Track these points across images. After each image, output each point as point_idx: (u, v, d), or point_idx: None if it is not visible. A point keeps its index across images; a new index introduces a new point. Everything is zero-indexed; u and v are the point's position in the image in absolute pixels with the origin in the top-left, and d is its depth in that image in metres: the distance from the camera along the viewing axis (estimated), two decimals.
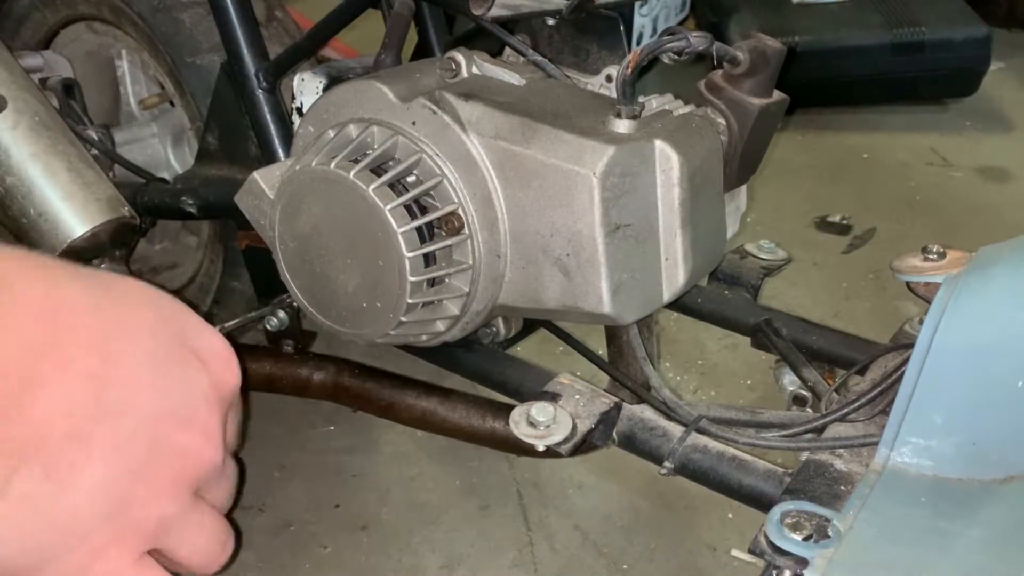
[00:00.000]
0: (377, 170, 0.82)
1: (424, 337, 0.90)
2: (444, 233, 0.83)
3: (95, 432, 0.38)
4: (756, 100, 0.82)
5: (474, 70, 0.88)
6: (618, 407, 0.87)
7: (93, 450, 0.38)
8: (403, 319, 0.83)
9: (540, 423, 0.81)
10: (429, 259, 0.82)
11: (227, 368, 0.45)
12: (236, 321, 1.08)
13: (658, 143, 0.78)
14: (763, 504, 0.78)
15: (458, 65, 0.88)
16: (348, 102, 0.87)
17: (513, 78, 0.88)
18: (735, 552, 1.24)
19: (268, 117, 1.11)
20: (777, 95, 0.84)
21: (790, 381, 0.98)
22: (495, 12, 0.89)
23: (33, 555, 0.38)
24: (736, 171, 0.86)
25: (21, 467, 0.36)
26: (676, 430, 0.84)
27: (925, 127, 2.52)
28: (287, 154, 1.09)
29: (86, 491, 0.38)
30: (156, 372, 0.41)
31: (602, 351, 0.96)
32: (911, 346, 0.71)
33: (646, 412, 0.87)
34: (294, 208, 0.87)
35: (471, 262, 0.83)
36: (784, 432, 0.81)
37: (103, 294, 0.41)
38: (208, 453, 0.43)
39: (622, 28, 1.01)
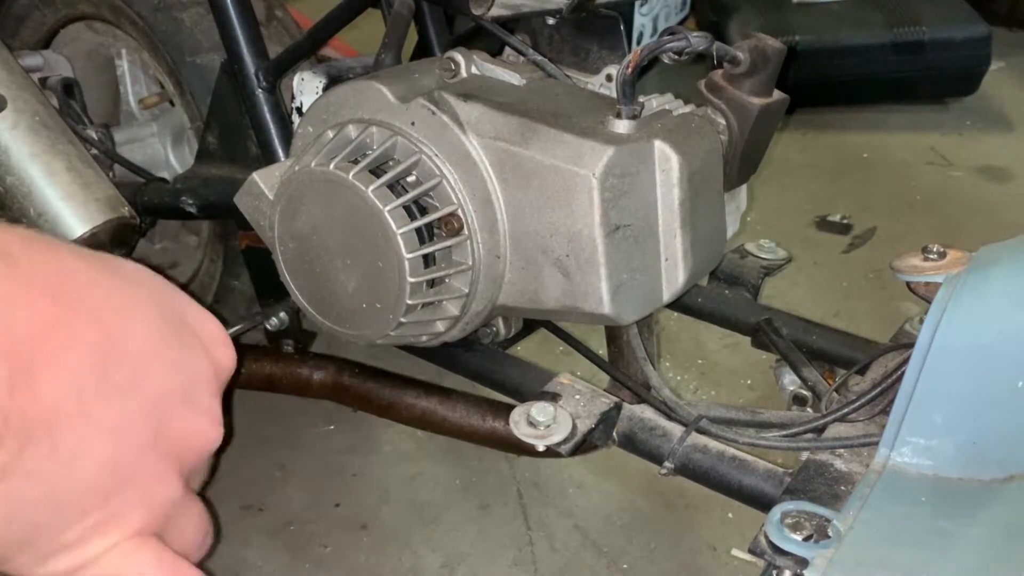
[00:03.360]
0: (376, 171, 0.82)
1: (424, 337, 0.90)
2: (443, 234, 0.83)
3: (104, 409, 0.38)
4: (756, 100, 0.82)
5: (473, 70, 0.88)
6: (618, 407, 0.87)
7: (101, 427, 0.38)
8: (403, 320, 0.83)
9: (540, 423, 0.81)
10: (428, 260, 0.82)
11: (224, 351, 0.45)
12: (233, 330, 1.08)
13: (657, 143, 0.78)
14: (763, 504, 0.78)
15: (457, 65, 0.88)
16: (347, 102, 0.87)
17: (513, 78, 0.88)
18: (735, 552, 1.24)
19: (268, 117, 1.11)
20: (777, 95, 0.84)
21: (790, 381, 0.98)
22: (495, 12, 0.89)
23: (29, 530, 0.38)
24: (736, 171, 0.86)
25: (30, 443, 0.36)
26: (676, 430, 0.84)
27: (925, 126, 2.52)
28: (287, 154, 1.08)
29: (91, 468, 0.38)
30: (162, 351, 0.41)
31: (602, 351, 0.96)
32: (911, 346, 0.71)
33: (646, 412, 0.87)
34: (293, 209, 0.87)
35: (471, 263, 0.83)
36: (784, 432, 0.81)
37: (106, 272, 0.40)
38: (211, 435, 0.43)
39: (622, 28, 1.00)
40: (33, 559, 0.39)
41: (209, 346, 0.44)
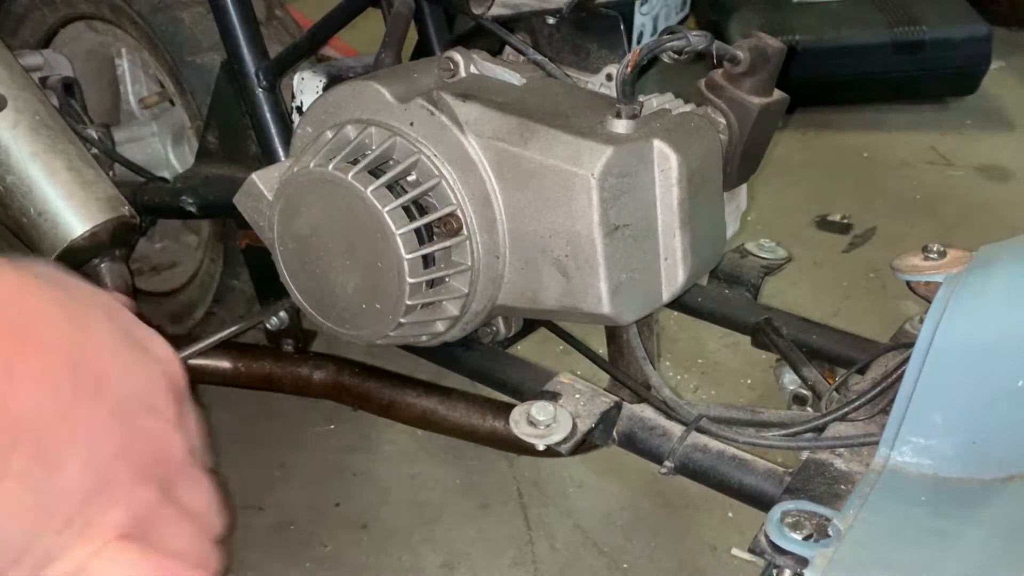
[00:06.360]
0: (375, 171, 0.82)
1: (424, 337, 0.90)
2: (443, 234, 0.83)
3: (78, 413, 0.39)
4: (756, 99, 0.82)
5: (472, 70, 0.88)
6: (618, 406, 0.87)
7: (78, 430, 0.39)
8: (402, 320, 0.83)
9: (540, 422, 0.81)
10: (428, 260, 0.82)
11: (173, 365, 0.46)
12: (232, 330, 1.08)
13: (656, 143, 0.78)
14: (763, 503, 0.78)
15: (456, 65, 0.88)
16: (346, 103, 0.87)
17: (512, 77, 0.87)
18: (735, 551, 1.24)
19: (268, 116, 1.11)
20: (777, 94, 0.84)
21: (790, 380, 0.98)
22: (495, 11, 0.89)
23: (23, 539, 0.38)
24: (736, 170, 0.86)
25: (16, 446, 0.36)
26: (676, 429, 0.84)
27: (925, 126, 2.52)
28: (287, 153, 1.08)
29: (72, 471, 0.38)
30: (119, 359, 0.42)
31: (602, 350, 0.96)
32: (911, 345, 0.71)
33: (646, 411, 0.87)
34: (293, 209, 0.86)
35: (470, 263, 0.83)
36: (784, 431, 0.81)
37: (60, 288, 0.42)
38: (175, 439, 0.44)
39: (622, 27, 1.01)
40: (27, 572, 0.39)
41: (157, 358, 0.45)
